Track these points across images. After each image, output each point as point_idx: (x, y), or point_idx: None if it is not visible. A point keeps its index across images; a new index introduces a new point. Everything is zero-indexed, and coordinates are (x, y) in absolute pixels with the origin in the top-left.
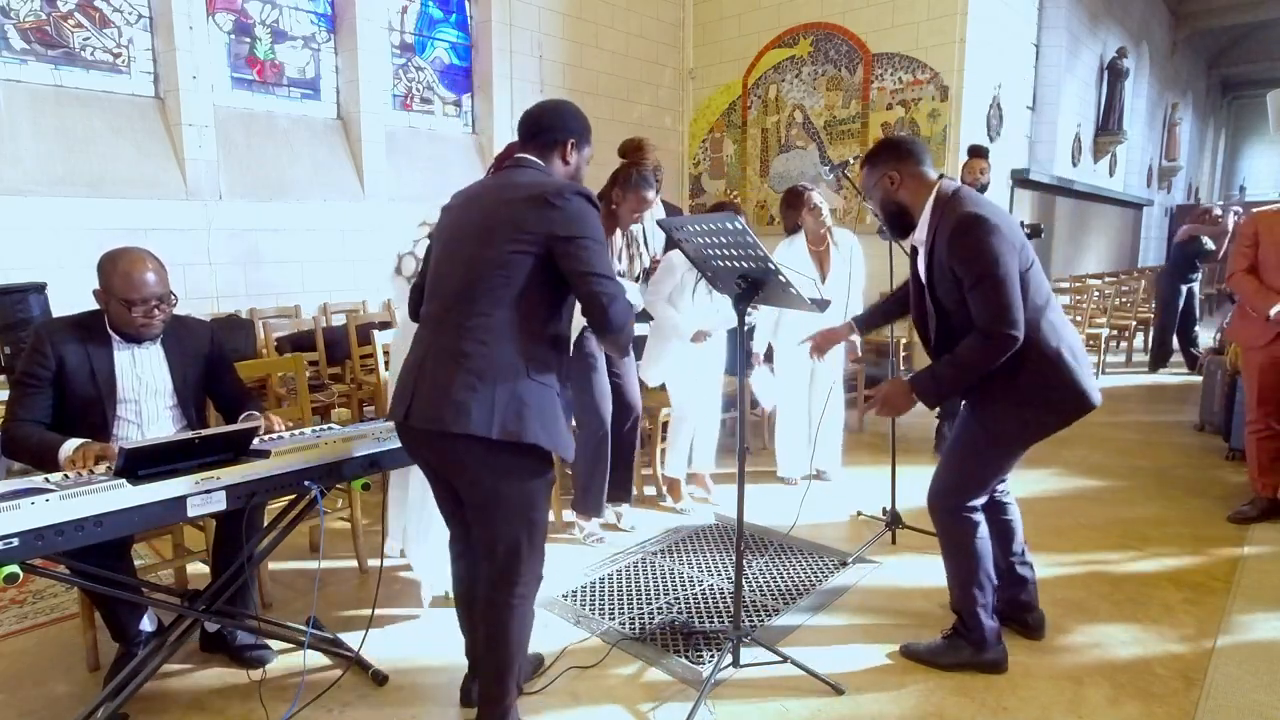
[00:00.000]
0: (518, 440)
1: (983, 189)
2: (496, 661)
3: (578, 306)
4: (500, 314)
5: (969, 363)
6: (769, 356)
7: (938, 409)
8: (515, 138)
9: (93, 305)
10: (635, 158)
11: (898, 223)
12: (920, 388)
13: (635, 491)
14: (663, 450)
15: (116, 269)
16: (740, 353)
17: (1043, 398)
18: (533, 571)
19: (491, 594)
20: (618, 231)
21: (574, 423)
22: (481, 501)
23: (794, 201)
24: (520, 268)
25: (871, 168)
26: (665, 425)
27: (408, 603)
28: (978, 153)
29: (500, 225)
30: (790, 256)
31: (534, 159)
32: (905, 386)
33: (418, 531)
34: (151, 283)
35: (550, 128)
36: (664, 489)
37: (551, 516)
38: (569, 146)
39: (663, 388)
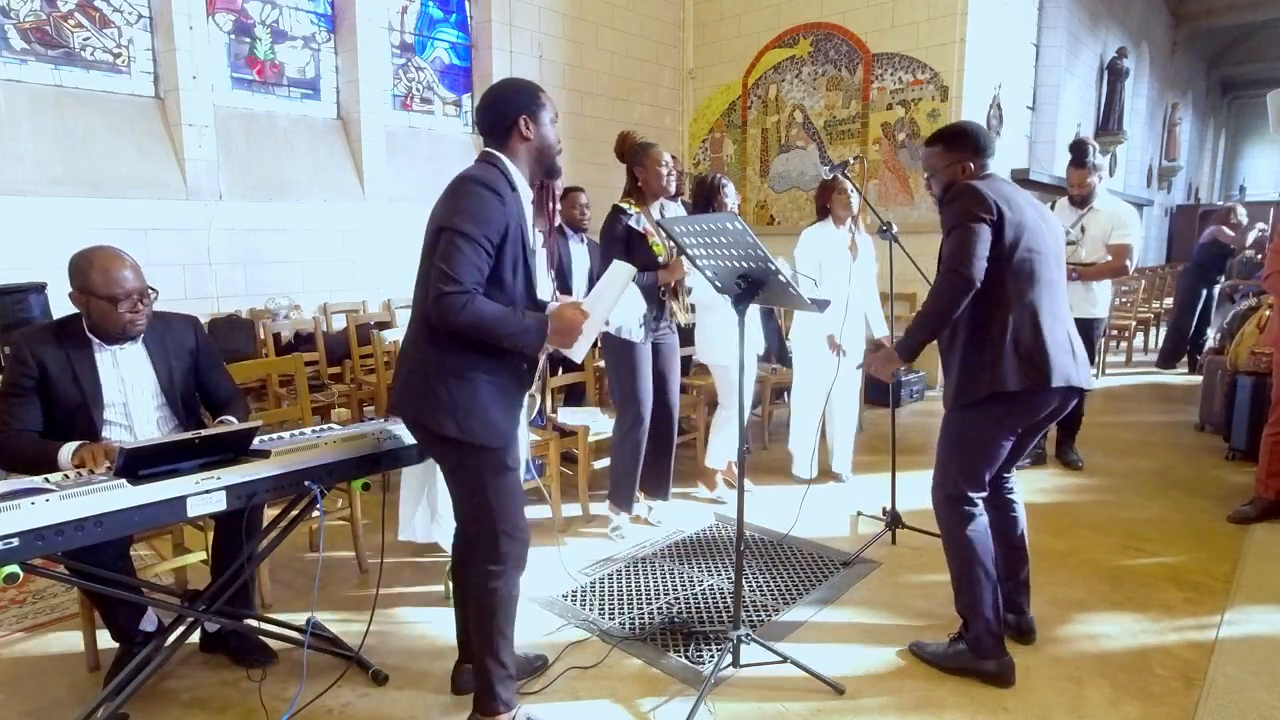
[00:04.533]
0: (429, 429)
1: (1083, 200)
2: (479, 634)
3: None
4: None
5: (929, 306)
6: (782, 358)
7: None
8: None
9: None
10: (630, 139)
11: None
12: (897, 345)
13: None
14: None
15: (94, 267)
16: (741, 348)
17: (985, 379)
18: (501, 550)
19: (469, 563)
20: (652, 211)
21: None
22: (444, 474)
23: (824, 188)
24: None
25: (946, 149)
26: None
27: (407, 602)
28: (1074, 160)
29: (430, 223)
30: (823, 238)
31: (492, 151)
32: (889, 352)
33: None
34: (131, 278)
35: (497, 116)
36: (700, 480)
37: (578, 510)
38: (523, 124)
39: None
